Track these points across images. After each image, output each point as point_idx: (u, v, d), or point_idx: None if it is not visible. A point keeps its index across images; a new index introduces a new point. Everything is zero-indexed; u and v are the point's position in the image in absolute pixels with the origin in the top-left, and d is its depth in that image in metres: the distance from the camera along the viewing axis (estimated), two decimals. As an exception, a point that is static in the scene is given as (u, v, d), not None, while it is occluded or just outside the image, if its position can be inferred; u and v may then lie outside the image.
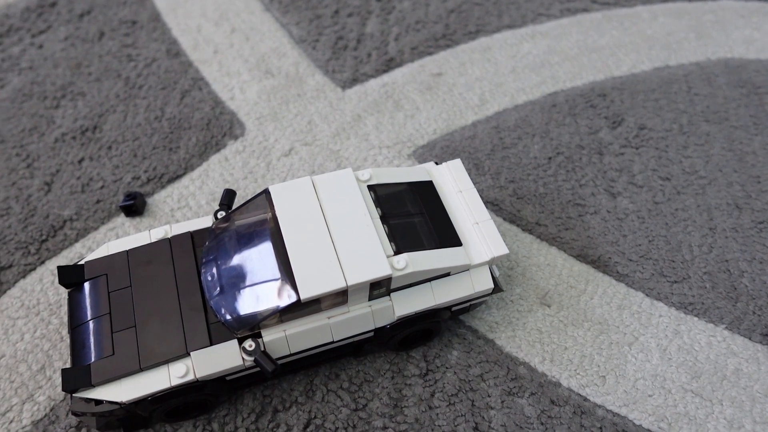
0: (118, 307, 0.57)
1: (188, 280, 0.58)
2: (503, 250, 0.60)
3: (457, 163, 0.67)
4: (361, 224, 0.56)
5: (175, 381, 0.53)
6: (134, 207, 0.73)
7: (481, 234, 0.61)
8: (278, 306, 0.53)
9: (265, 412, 0.61)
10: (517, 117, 0.86)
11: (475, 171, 0.80)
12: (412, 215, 0.60)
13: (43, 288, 0.68)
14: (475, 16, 1.01)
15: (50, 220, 0.74)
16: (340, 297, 0.55)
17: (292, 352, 0.57)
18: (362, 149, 0.82)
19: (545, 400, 0.62)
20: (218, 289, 0.56)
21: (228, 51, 0.94)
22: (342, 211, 0.57)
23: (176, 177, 0.78)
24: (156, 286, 0.58)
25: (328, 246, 0.54)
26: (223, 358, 0.54)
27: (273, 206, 0.57)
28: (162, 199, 0.76)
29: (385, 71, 0.92)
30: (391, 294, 0.57)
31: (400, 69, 0.92)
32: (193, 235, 0.61)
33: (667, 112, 0.87)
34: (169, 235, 0.61)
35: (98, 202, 0.76)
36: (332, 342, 0.58)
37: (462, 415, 0.60)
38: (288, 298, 0.52)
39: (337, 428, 0.60)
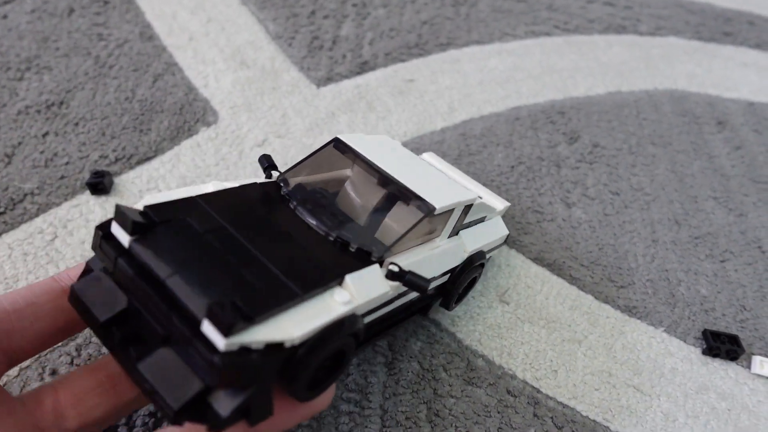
0: (226, 246, 0.43)
1: (290, 220, 0.50)
2: (506, 203, 0.72)
3: (432, 154, 0.77)
4: (426, 168, 0.60)
5: (340, 309, 0.41)
6: (101, 185, 0.72)
7: (483, 194, 0.73)
8: (414, 219, 0.51)
9: (230, 394, 0.61)
10: (483, 126, 0.91)
11: (442, 174, 0.84)
12: None
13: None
14: (446, 29, 1.05)
15: (9, 193, 0.71)
16: (437, 225, 0.56)
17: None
18: (335, 145, 0.84)
19: (502, 390, 0.65)
20: (337, 221, 0.53)
21: (203, 39, 0.94)
22: (404, 159, 0.60)
23: (146, 159, 0.77)
24: (257, 226, 0.47)
25: (425, 175, 0.56)
26: (373, 282, 0.46)
27: (351, 149, 0.56)
28: (130, 180, 0.75)
29: (358, 73, 0.94)
30: (460, 233, 0.62)
31: (373, 72, 0.95)
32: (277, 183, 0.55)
33: (619, 132, 0.94)
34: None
35: (62, 177, 0.74)
36: (433, 278, 0.56)
37: (425, 402, 0.63)
38: (420, 211, 0.51)
39: (302, 412, 0.60)
